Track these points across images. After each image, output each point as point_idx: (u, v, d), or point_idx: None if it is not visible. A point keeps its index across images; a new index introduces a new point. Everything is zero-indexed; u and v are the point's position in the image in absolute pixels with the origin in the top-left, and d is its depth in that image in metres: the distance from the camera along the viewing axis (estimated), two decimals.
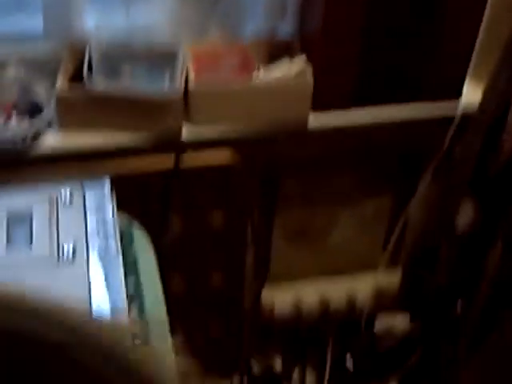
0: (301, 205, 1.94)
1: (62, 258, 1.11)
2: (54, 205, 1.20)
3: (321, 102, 1.64)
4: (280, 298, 2.10)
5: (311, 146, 1.73)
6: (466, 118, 1.72)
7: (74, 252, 1.12)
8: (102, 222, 1.18)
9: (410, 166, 1.90)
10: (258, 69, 1.63)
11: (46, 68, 1.56)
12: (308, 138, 1.71)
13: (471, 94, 1.71)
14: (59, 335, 0.48)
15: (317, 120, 1.65)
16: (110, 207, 1.21)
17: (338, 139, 1.73)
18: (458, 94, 1.73)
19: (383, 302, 2.21)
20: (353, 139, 1.75)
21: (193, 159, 1.60)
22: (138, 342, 1.01)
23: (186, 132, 1.58)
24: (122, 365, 0.49)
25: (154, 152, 1.58)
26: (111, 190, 1.23)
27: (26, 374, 0.49)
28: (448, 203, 1.84)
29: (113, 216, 1.19)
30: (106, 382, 0.49)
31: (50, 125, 1.55)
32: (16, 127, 1.49)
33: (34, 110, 1.52)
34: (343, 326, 2.26)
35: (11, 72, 1.54)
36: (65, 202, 1.21)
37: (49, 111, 1.51)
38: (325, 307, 2.13)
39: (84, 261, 1.11)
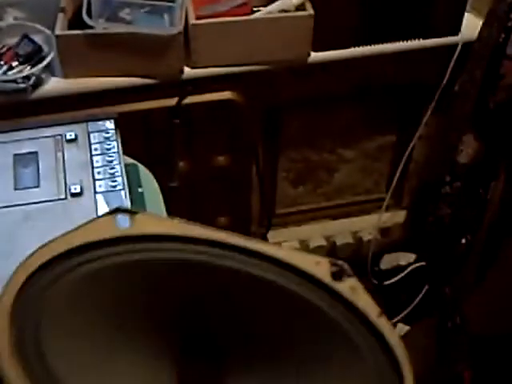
0: (304, 144, 1.94)
1: (70, 197, 1.12)
2: (60, 146, 1.20)
3: (322, 43, 1.63)
4: (286, 239, 2.11)
5: (313, 81, 1.73)
6: (467, 48, 1.71)
7: (81, 191, 1.13)
8: (108, 161, 1.19)
9: (412, 101, 1.89)
10: (258, 7, 1.63)
11: (45, 13, 1.55)
12: (309, 73, 1.71)
13: (471, 25, 1.70)
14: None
15: (318, 55, 1.64)
16: (115, 146, 1.21)
17: (340, 74, 1.73)
18: (457, 31, 1.72)
19: (388, 241, 2.22)
20: (354, 73, 1.74)
21: (195, 98, 1.60)
22: None
23: (188, 71, 1.58)
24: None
25: (157, 92, 1.58)
26: (116, 129, 1.24)
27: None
28: (450, 137, 1.84)
29: (119, 155, 1.20)
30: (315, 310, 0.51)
31: (51, 69, 1.55)
32: (18, 73, 1.49)
33: (35, 55, 1.52)
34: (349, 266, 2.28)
35: (11, 17, 1.54)
36: (70, 143, 1.21)
37: (50, 56, 1.51)
38: (331, 248, 2.14)
39: (91, 200, 1.12)
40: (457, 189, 1.90)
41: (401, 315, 2.37)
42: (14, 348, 0.41)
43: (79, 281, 0.47)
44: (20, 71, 1.50)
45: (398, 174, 1.95)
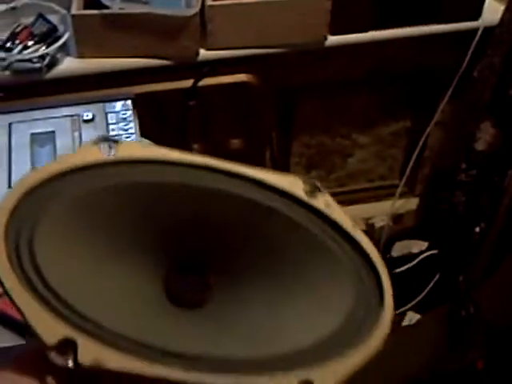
0: (318, 128, 1.93)
1: None
2: (77, 125, 1.20)
3: (339, 26, 1.62)
4: None
5: (329, 65, 1.72)
6: (487, 34, 1.69)
7: None
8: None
9: (428, 87, 1.88)
10: None
11: None
12: (326, 56, 1.69)
13: (492, 10, 1.69)
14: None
15: (335, 39, 1.63)
16: (133, 127, 1.21)
17: (356, 58, 1.72)
18: (477, 16, 1.70)
19: (401, 229, 2.21)
20: (371, 58, 1.73)
21: (210, 80, 1.60)
22: None
23: (204, 53, 1.57)
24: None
25: (172, 73, 1.57)
26: (133, 110, 1.23)
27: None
28: (467, 123, 1.83)
29: (136, 135, 1.19)
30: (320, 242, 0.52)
31: (66, 49, 1.54)
32: (33, 52, 1.48)
33: (50, 34, 1.51)
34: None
35: None
36: (87, 123, 1.21)
37: (65, 35, 1.50)
38: None
39: None
40: (472, 176, 1.89)
41: (412, 303, 2.37)
42: (10, 260, 0.44)
43: (69, 202, 0.49)
44: (35, 51, 1.49)
45: (412, 161, 1.94)
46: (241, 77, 1.64)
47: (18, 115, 1.20)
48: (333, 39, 1.63)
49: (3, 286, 0.42)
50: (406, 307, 2.39)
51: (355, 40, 1.64)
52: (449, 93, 1.79)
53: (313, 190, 0.54)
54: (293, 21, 1.56)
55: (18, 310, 0.42)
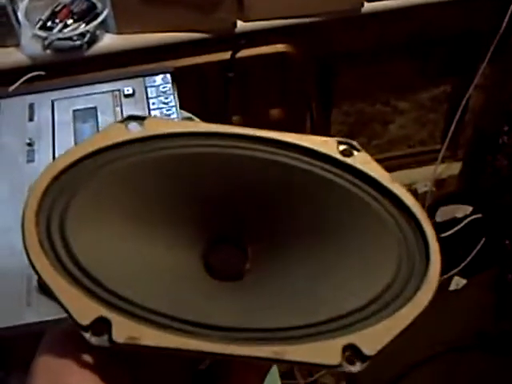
0: (358, 96, 1.93)
1: None
2: (118, 100, 1.21)
3: None
4: None
5: (366, 32, 1.71)
6: None
7: None
8: (165, 114, 1.19)
9: (467, 50, 1.87)
10: None
11: None
12: (363, 23, 1.69)
13: None
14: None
15: (371, 5, 1.62)
16: (172, 100, 1.22)
17: (394, 23, 1.71)
18: None
19: (444, 194, 2.21)
20: (408, 23, 1.72)
21: (248, 51, 1.60)
22: None
23: (241, 24, 1.58)
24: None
25: (210, 46, 1.58)
26: (173, 83, 1.24)
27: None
28: (507, 85, 1.82)
29: (176, 108, 1.21)
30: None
31: (106, 26, 1.56)
32: (73, 30, 1.51)
33: (89, 12, 1.53)
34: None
35: None
36: (128, 98, 1.22)
37: (104, 12, 1.52)
38: None
39: None
40: None
41: (458, 268, 2.36)
42: (41, 242, 0.44)
43: (99, 181, 0.49)
44: (75, 29, 1.51)
45: (453, 125, 1.93)
46: (279, 47, 1.64)
47: (59, 92, 1.21)
48: (369, 5, 1.62)
49: (34, 268, 0.42)
50: (452, 272, 2.39)
51: (392, 6, 1.63)
52: (488, 55, 1.77)
53: (349, 150, 0.53)
54: None
55: (50, 291, 0.42)
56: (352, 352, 0.41)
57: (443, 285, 2.39)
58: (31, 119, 1.13)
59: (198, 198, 0.53)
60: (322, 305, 0.46)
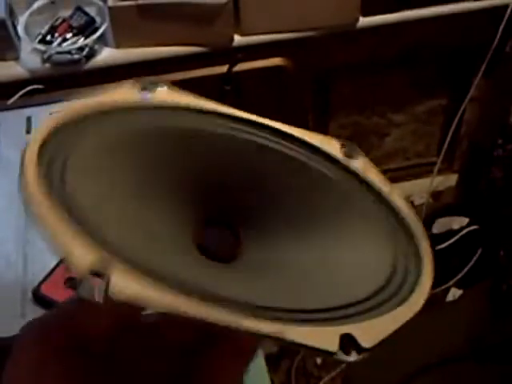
0: (354, 109, 1.94)
1: None
2: None
3: (370, 7, 1.63)
4: None
5: (362, 46, 1.73)
6: None
7: None
8: None
9: (462, 64, 1.88)
10: None
11: None
12: (359, 38, 1.71)
13: None
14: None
15: (367, 20, 1.64)
16: None
17: (389, 38, 1.73)
18: None
19: (440, 205, 2.22)
20: (403, 37, 1.73)
21: (245, 65, 1.62)
22: None
23: (238, 38, 1.61)
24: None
25: (208, 60, 1.60)
26: None
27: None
28: (501, 99, 1.83)
29: None
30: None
31: (104, 40, 1.58)
32: (72, 44, 1.53)
33: (88, 26, 1.55)
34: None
35: None
36: None
37: (103, 27, 1.54)
38: None
39: None
40: (509, 151, 1.89)
41: (454, 279, 2.37)
42: (40, 179, 0.41)
43: (104, 139, 0.47)
44: (74, 43, 1.53)
45: (449, 138, 1.94)
46: (275, 61, 1.66)
47: (58, 106, 1.23)
48: (364, 20, 1.64)
49: (30, 211, 0.39)
50: (449, 283, 2.40)
51: (386, 20, 1.66)
52: (482, 69, 1.79)
53: (350, 152, 0.52)
54: (324, 4, 1.58)
55: (46, 237, 0.38)
56: (349, 342, 0.40)
57: (440, 296, 2.41)
58: (28, 132, 1.14)
59: (196, 176, 0.51)
60: (322, 293, 0.45)
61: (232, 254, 0.51)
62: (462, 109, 1.89)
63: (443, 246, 2.25)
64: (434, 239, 2.24)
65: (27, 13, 1.54)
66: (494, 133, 1.92)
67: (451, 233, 2.27)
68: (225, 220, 0.52)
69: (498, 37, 1.70)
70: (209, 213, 0.52)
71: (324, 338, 0.40)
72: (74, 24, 1.55)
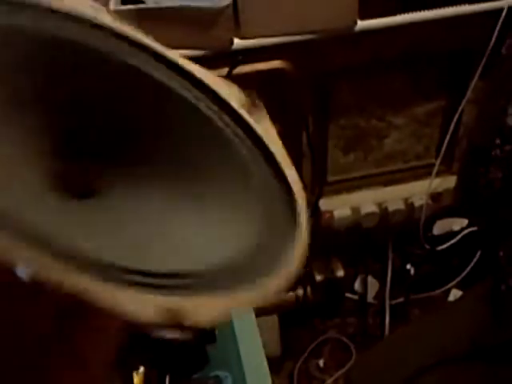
0: (353, 111, 1.96)
1: None
2: None
3: (368, 10, 1.65)
4: (338, 207, 2.14)
5: (361, 49, 1.75)
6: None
7: None
8: None
9: (459, 66, 1.90)
10: None
11: None
12: (357, 41, 1.73)
13: None
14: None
15: (364, 24, 1.66)
16: None
17: (387, 40, 1.75)
18: None
19: (440, 207, 2.23)
20: (401, 40, 1.75)
21: (245, 68, 1.64)
22: None
23: (238, 42, 1.62)
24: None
25: (208, 63, 1.61)
26: None
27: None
28: (498, 100, 1.84)
29: None
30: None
31: None
32: None
33: None
34: (402, 234, 2.30)
35: None
36: None
37: None
38: (383, 214, 2.16)
39: None
40: (507, 152, 1.91)
41: (455, 281, 2.39)
42: None
43: None
44: None
45: (447, 139, 1.96)
46: (275, 64, 1.68)
47: None
48: (362, 24, 1.66)
49: None
50: (450, 284, 2.42)
51: (384, 24, 1.67)
52: (479, 71, 1.81)
53: (249, 106, 0.48)
54: (323, 8, 1.60)
55: None
56: (174, 317, 0.35)
57: (441, 297, 2.42)
58: None
59: (56, 97, 0.45)
60: (168, 254, 0.40)
61: (88, 189, 0.45)
62: (459, 111, 1.90)
63: (443, 247, 2.26)
64: (435, 240, 2.25)
65: None
66: (491, 134, 1.94)
67: (451, 234, 2.28)
68: (87, 151, 0.46)
69: (494, 39, 1.72)
70: (69, 142, 0.45)
71: (143, 306, 0.34)
72: None
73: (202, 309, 0.36)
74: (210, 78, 0.51)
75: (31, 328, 0.37)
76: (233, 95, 0.49)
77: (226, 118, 0.47)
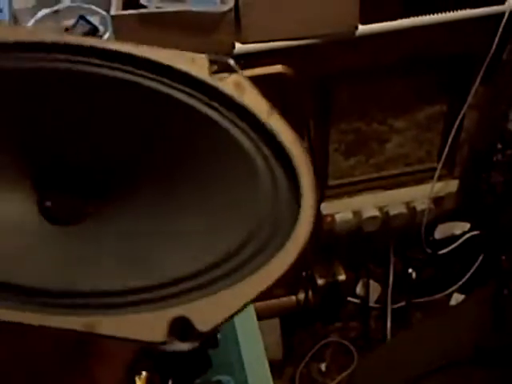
0: (354, 115, 1.95)
1: None
2: None
3: (369, 15, 1.65)
4: (340, 210, 2.14)
5: (362, 53, 1.75)
6: None
7: None
8: None
9: (461, 71, 1.89)
10: None
11: None
12: (358, 45, 1.73)
13: None
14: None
15: (365, 28, 1.66)
16: None
17: (388, 45, 1.75)
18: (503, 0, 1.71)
19: (442, 211, 2.23)
20: (402, 44, 1.75)
21: (246, 72, 1.64)
22: None
23: (239, 46, 1.62)
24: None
25: None
26: None
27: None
28: (499, 105, 1.85)
29: None
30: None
31: None
32: None
33: (91, 35, 1.57)
34: (404, 238, 2.29)
35: None
36: None
37: (106, 35, 1.56)
38: (385, 218, 2.16)
39: None
40: (509, 156, 1.91)
41: (457, 285, 2.38)
42: None
43: None
44: None
45: (449, 143, 1.96)
46: (276, 68, 1.68)
47: None
48: (363, 28, 1.66)
49: None
50: (452, 288, 2.41)
51: (385, 28, 1.67)
52: (480, 76, 1.81)
53: (221, 71, 0.45)
54: (323, 12, 1.60)
55: None
56: (182, 326, 0.34)
57: (443, 301, 2.42)
58: None
59: (33, 123, 0.43)
60: (157, 266, 0.38)
61: (79, 213, 0.43)
62: (461, 115, 1.90)
63: (445, 251, 2.26)
64: (437, 244, 2.25)
65: (31, 22, 1.57)
66: (493, 138, 1.94)
67: (453, 238, 2.28)
68: (75, 174, 0.45)
69: (495, 44, 1.72)
70: (55, 165, 0.44)
71: (149, 325, 0.33)
72: (78, 32, 1.57)
73: (213, 310, 0.35)
74: (166, 53, 0.47)
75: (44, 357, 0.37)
76: (200, 65, 0.46)
77: (218, 106, 0.45)
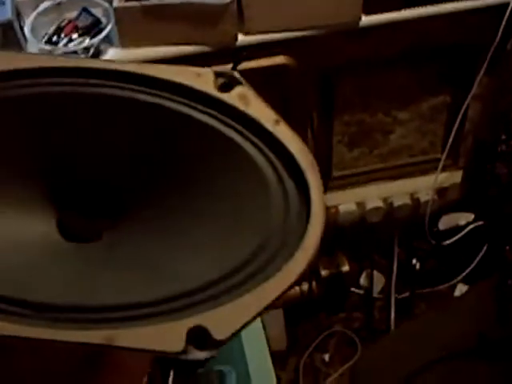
0: (358, 107, 1.95)
1: None
2: None
3: (373, 6, 1.65)
4: (344, 202, 2.14)
5: (365, 44, 1.74)
6: None
7: None
8: None
9: (465, 61, 1.89)
10: None
11: None
12: (361, 36, 1.72)
13: None
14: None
15: (369, 19, 1.66)
16: None
17: (392, 36, 1.74)
18: None
19: (446, 202, 2.22)
20: (406, 35, 1.74)
21: (249, 63, 1.63)
22: None
23: (242, 38, 1.62)
24: None
25: (212, 59, 1.61)
26: None
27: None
28: (504, 95, 1.84)
29: None
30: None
31: (110, 40, 1.60)
32: (78, 44, 1.55)
33: (93, 27, 1.57)
34: (408, 229, 2.30)
35: None
36: None
37: (108, 27, 1.56)
38: (388, 209, 2.16)
39: None
40: None
41: (461, 276, 2.38)
42: None
43: None
44: (80, 43, 1.56)
45: (453, 134, 1.95)
46: (279, 59, 1.67)
47: None
48: (367, 19, 1.66)
49: None
50: (456, 279, 2.41)
51: (389, 19, 1.67)
52: (485, 66, 1.80)
53: (227, 83, 0.46)
54: (327, 3, 1.60)
55: None
56: (200, 336, 0.35)
57: (447, 292, 2.42)
58: None
59: (48, 147, 0.44)
60: (171, 278, 0.39)
61: (97, 231, 0.44)
62: (465, 106, 1.89)
63: (449, 242, 2.26)
64: (441, 235, 2.25)
65: (34, 14, 1.57)
66: (497, 129, 1.93)
67: (457, 229, 2.27)
68: (95, 193, 0.46)
69: (500, 34, 1.71)
70: (75, 185, 0.45)
71: (167, 336, 0.34)
72: (80, 25, 1.57)
73: (229, 319, 0.36)
74: (171, 70, 0.47)
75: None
76: (205, 80, 0.47)
77: (226, 119, 0.46)
